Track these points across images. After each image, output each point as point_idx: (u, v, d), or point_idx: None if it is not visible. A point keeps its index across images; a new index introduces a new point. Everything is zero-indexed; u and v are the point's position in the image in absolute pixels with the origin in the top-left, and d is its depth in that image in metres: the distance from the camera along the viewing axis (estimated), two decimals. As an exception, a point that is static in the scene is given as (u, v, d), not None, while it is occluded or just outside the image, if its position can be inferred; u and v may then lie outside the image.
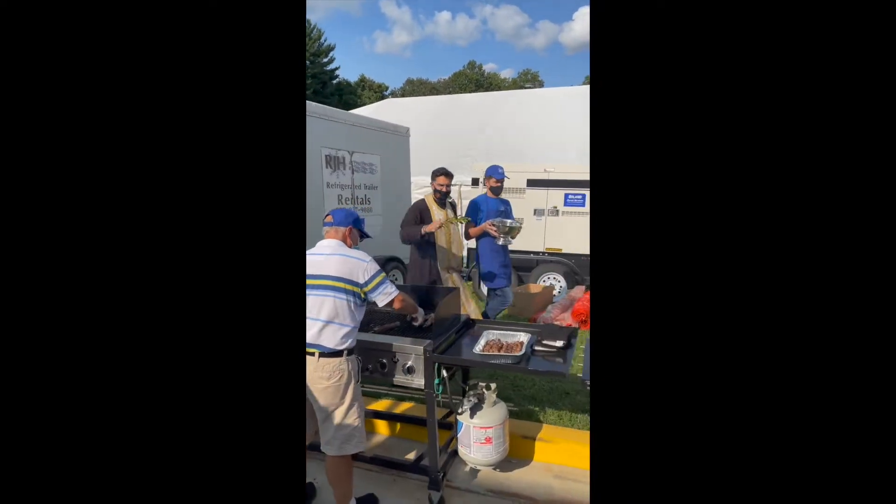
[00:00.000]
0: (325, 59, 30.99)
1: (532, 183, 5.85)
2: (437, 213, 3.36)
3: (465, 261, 4.09)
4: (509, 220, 3.54)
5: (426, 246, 3.35)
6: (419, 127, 13.02)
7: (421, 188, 10.24)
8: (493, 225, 3.47)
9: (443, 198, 3.41)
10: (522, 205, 5.81)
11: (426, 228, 3.18)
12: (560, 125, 11.88)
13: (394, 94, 34.36)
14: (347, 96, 30.98)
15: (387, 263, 5.56)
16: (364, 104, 23.82)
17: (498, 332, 2.39)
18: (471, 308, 3.49)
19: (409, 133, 6.25)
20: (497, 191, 3.81)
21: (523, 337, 2.26)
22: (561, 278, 5.68)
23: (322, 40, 30.68)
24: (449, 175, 3.39)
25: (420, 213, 3.34)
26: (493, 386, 2.27)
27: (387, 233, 5.80)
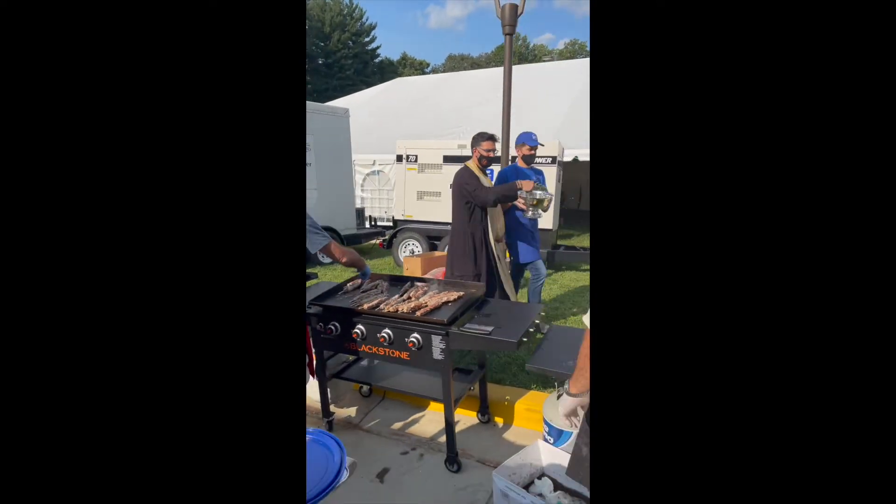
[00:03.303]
0: (367, 38, 31.86)
1: (448, 159, 6.34)
2: (483, 180, 3.18)
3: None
4: (539, 192, 3.21)
5: (476, 215, 3.16)
6: (418, 103, 13.55)
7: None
8: (521, 197, 3.17)
9: (488, 164, 3.19)
10: (441, 180, 6.33)
11: (523, 185, 3.02)
12: (561, 98, 11.80)
13: (435, 71, 34.67)
14: (389, 75, 31.73)
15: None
16: (397, 82, 24.40)
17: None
18: (509, 288, 3.33)
19: (348, 114, 6.91)
20: (529, 160, 3.50)
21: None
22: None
23: (364, 19, 31.53)
24: (495, 139, 3.16)
25: (476, 179, 3.13)
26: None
27: (321, 205, 6.59)
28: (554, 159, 5.92)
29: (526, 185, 3.07)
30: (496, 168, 3.81)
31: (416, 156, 6.54)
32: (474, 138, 3.20)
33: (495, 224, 3.25)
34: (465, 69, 31.46)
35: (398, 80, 17.14)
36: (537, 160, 6.02)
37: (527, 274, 3.73)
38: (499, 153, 3.39)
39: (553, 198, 3.32)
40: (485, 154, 3.15)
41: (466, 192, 3.09)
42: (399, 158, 6.70)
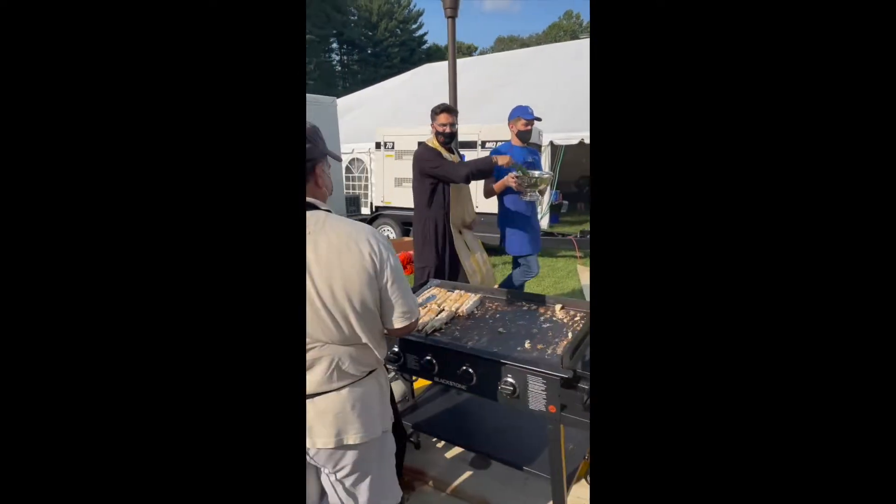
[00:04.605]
0: (415, 26, 31.98)
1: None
2: (447, 157, 2.80)
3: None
4: (536, 171, 2.85)
5: (437, 199, 2.80)
6: (441, 87, 13.51)
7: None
8: (515, 177, 2.77)
9: (448, 140, 2.77)
10: (417, 165, 6.39)
11: (498, 160, 2.69)
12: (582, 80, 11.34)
13: (483, 54, 34.18)
14: (436, 61, 31.72)
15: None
16: (439, 68, 24.31)
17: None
18: (476, 279, 2.88)
19: (335, 104, 7.11)
20: (525, 136, 3.07)
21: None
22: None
23: (412, 6, 31.65)
24: (453, 112, 2.78)
25: (438, 154, 2.76)
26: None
27: (307, 192, 6.90)
28: (525, 143, 5.78)
29: (502, 159, 2.71)
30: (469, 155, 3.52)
31: (394, 143, 6.63)
32: (431, 112, 2.83)
33: (462, 208, 2.91)
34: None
35: (426, 66, 17.17)
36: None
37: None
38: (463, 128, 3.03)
39: (550, 179, 2.95)
40: (440, 129, 2.74)
41: (429, 169, 2.70)
42: (378, 146, 6.82)
